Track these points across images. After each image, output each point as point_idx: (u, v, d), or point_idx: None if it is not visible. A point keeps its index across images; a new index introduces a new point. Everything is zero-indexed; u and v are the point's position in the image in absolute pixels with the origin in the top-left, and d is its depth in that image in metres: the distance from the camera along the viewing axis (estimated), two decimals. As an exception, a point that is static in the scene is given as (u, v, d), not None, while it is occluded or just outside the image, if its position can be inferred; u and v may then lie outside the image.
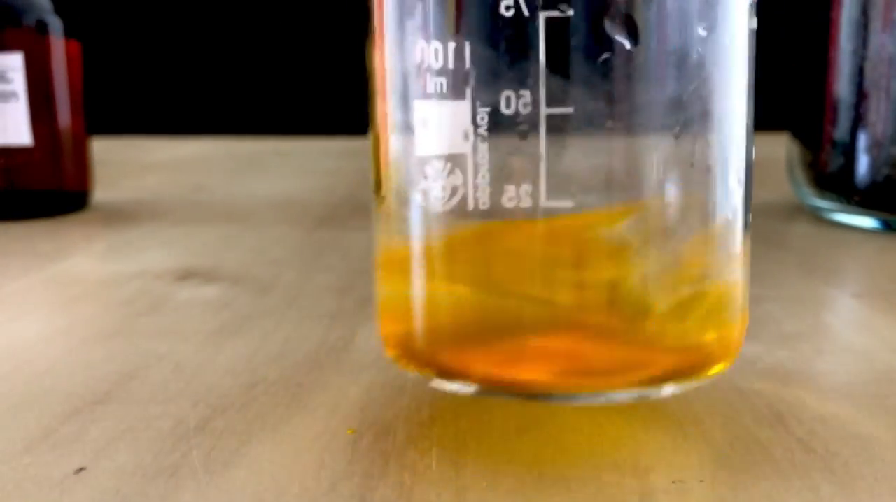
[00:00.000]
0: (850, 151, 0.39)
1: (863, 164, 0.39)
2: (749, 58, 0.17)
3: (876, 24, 0.37)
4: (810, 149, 0.41)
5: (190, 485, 0.16)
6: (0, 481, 0.16)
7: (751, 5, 0.17)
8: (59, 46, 0.43)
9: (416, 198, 0.17)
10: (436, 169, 0.17)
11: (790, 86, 0.43)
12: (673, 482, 0.16)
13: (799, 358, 0.23)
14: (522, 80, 0.16)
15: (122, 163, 0.68)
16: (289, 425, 0.19)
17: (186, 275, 0.32)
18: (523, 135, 0.16)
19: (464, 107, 0.16)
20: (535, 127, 0.16)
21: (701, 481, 0.16)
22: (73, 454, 0.17)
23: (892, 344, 0.24)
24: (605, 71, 0.16)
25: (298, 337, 0.25)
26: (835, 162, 0.40)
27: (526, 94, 0.16)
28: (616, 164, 0.16)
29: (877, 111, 0.38)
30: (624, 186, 0.16)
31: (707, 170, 0.17)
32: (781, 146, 0.45)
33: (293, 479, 0.16)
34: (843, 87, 0.39)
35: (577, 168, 0.16)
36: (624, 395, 0.17)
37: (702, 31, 0.16)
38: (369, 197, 0.19)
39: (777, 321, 0.26)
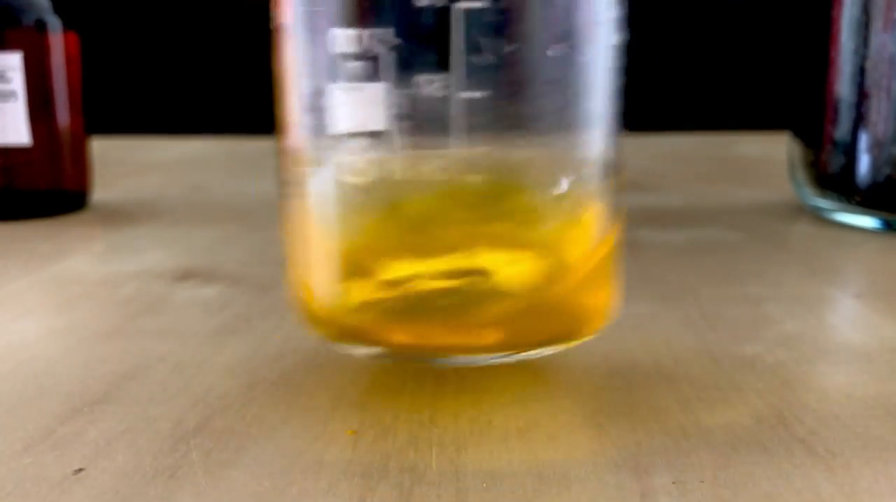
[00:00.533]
0: (851, 151, 0.39)
1: (864, 164, 0.38)
2: (610, 68, 0.19)
3: (877, 23, 0.37)
4: (811, 148, 0.41)
5: (189, 486, 0.16)
6: (0, 481, 0.16)
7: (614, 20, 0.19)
8: (58, 46, 0.43)
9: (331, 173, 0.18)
10: (351, 146, 0.18)
11: (791, 85, 0.43)
12: (673, 482, 0.16)
13: (800, 358, 0.22)
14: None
15: (121, 163, 0.68)
16: (288, 425, 0.19)
17: (186, 276, 0.32)
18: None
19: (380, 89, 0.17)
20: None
21: (701, 481, 0.16)
22: (72, 454, 0.17)
23: (892, 344, 0.24)
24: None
25: (298, 337, 0.24)
26: (836, 162, 0.40)
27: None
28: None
29: (878, 111, 0.38)
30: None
31: (573, 164, 0.19)
32: (782, 146, 0.45)
33: (292, 480, 0.16)
34: (844, 86, 0.39)
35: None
36: (502, 358, 0.19)
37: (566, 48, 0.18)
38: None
39: (778, 321, 0.26)
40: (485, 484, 0.16)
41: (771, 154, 0.59)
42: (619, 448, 0.17)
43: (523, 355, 0.19)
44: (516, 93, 0.18)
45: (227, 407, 0.20)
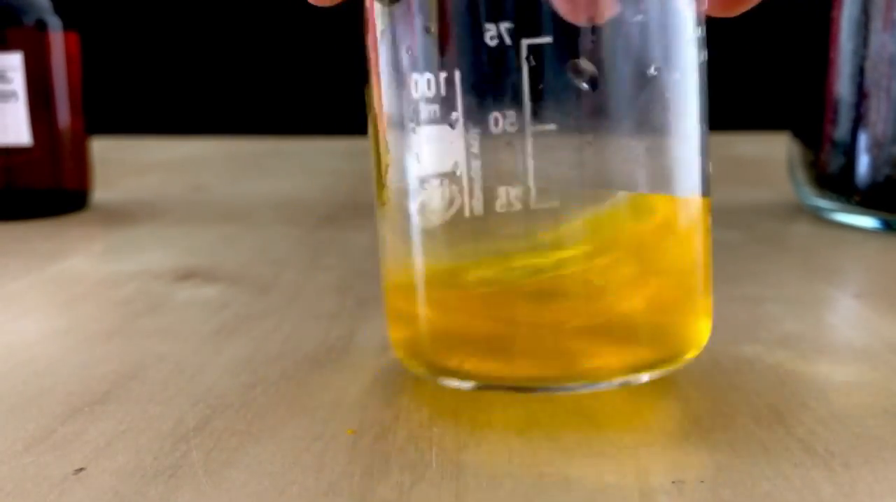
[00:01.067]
0: (850, 151, 0.39)
1: (863, 164, 0.39)
2: (700, 87, 0.19)
3: (876, 23, 0.37)
4: (811, 148, 0.41)
5: (189, 486, 0.16)
6: (0, 481, 0.16)
7: (699, 40, 0.19)
8: (58, 46, 0.43)
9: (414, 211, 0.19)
10: (433, 185, 0.18)
11: (791, 85, 0.43)
12: (673, 482, 0.16)
13: (799, 358, 0.23)
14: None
15: (121, 163, 0.68)
16: (288, 425, 0.19)
17: (186, 275, 0.32)
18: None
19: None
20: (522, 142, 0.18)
21: (701, 481, 0.16)
22: (72, 454, 0.17)
23: (892, 343, 0.24)
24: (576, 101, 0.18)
25: (298, 337, 0.25)
26: (835, 162, 0.40)
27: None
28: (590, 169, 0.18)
29: (877, 111, 0.38)
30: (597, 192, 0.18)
31: (665, 182, 0.19)
32: (782, 146, 0.45)
33: (293, 479, 0.16)
34: (843, 86, 0.39)
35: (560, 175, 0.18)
36: (606, 385, 0.19)
37: (653, 71, 0.18)
38: (369, 197, 0.20)
39: (777, 321, 0.26)
40: (485, 484, 0.16)
41: (770, 154, 0.59)
42: (618, 447, 0.17)
43: (626, 380, 0.19)
44: (591, 126, 0.18)
45: (227, 407, 0.20)
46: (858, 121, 0.38)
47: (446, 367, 0.19)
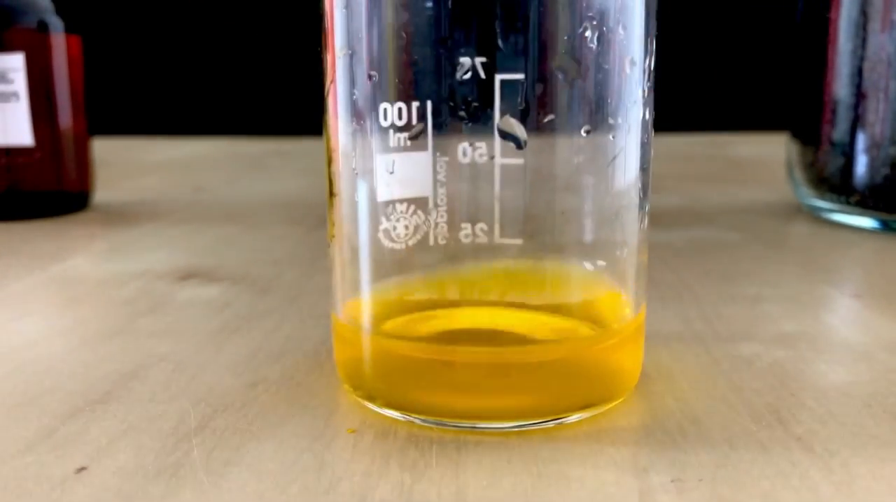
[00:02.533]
0: (849, 151, 0.39)
1: (862, 165, 0.39)
2: (644, 145, 0.19)
3: (875, 24, 0.37)
4: (810, 149, 0.41)
5: (191, 485, 0.16)
6: (1, 480, 0.16)
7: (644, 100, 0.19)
8: (60, 47, 0.43)
9: (379, 238, 0.19)
10: (398, 211, 0.18)
11: (789, 86, 0.43)
12: (672, 481, 0.16)
13: (798, 357, 0.23)
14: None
15: (123, 164, 0.68)
16: (289, 424, 0.19)
17: (187, 275, 0.32)
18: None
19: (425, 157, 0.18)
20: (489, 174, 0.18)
21: (700, 480, 0.16)
22: (73, 453, 0.17)
23: (890, 343, 0.24)
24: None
25: (299, 336, 0.25)
26: (834, 162, 0.40)
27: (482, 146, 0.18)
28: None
29: (876, 111, 0.38)
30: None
31: (617, 243, 0.19)
32: (781, 146, 0.45)
33: (294, 478, 0.16)
34: (842, 87, 0.39)
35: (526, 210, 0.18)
36: (538, 424, 0.18)
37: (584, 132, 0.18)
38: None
39: (776, 321, 0.26)
40: (485, 484, 0.16)
41: (769, 154, 0.59)
42: (617, 446, 0.17)
43: (557, 420, 0.18)
44: (552, 163, 0.18)
45: (228, 407, 0.20)
46: (857, 121, 0.38)
47: (391, 401, 0.19)
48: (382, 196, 0.18)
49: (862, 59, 0.38)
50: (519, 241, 0.18)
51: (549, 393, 0.18)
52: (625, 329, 0.19)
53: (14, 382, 0.21)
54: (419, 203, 0.18)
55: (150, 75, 0.95)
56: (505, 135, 0.17)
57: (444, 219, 0.18)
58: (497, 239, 0.18)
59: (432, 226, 0.18)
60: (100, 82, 0.53)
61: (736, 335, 0.24)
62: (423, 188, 0.18)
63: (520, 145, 0.18)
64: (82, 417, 0.19)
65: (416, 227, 0.18)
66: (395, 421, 0.19)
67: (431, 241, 0.18)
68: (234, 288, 0.30)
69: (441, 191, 0.18)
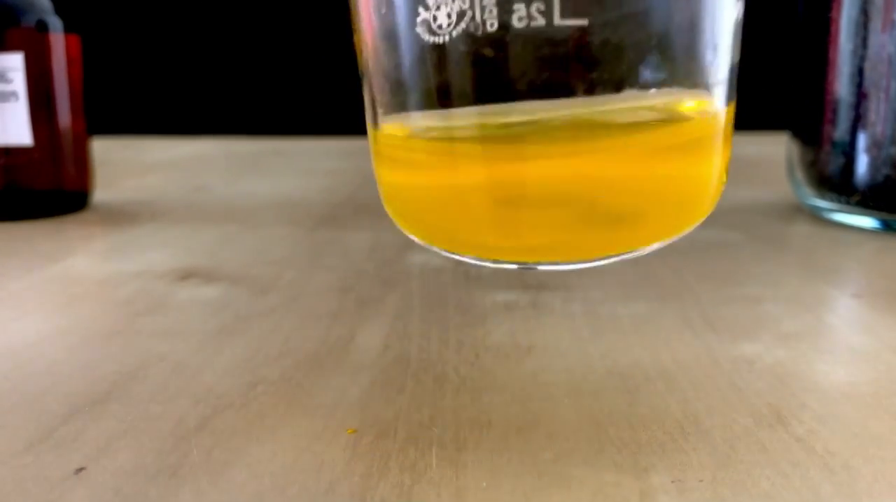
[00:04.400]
0: (849, 151, 0.39)
1: (862, 164, 0.39)
2: None
3: (876, 23, 0.37)
4: (810, 149, 0.41)
5: (190, 485, 0.16)
6: (0, 481, 0.16)
7: None
8: (59, 46, 0.43)
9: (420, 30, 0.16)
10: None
11: (790, 86, 0.43)
12: (672, 481, 0.16)
13: (798, 357, 0.23)
14: None
15: (122, 163, 0.68)
16: (289, 425, 0.19)
17: (186, 275, 0.32)
18: None
19: None
20: None
21: (700, 481, 0.16)
22: (73, 454, 0.17)
23: (891, 344, 0.24)
24: None
25: (298, 337, 0.25)
26: (835, 162, 0.40)
27: None
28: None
29: (876, 111, 0.38)
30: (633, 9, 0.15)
31: (688, 56, 0.16)
32: (781, 146, 0.45)
33: (293, 479, 0.16)
34: (842, 86, 0.39)
35: None
36: (614, 258, 0.17)
37: None
38: (369, 197, 0.19)
39: (777, 321, 0.26)
40: (485, 484, 0.16)
41: (770, 154, 0.59)
42: (618, 447, 0.17)
43: (629, 253, 0.17)
44: None
45: (227, 407, 0.20)
46: (857, 121, 0.38)
47: (448, 239, 0.17)
48: None
49: (863, 58, 0.38)
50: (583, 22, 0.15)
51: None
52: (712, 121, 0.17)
53: (13, 382, 0.21)
54: None
55: (149, 75, 0.95)
56: None
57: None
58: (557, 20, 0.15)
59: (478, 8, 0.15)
60: (99, 82, 0.53)
61: (737, 335, 0.24)
62: None
63: None
64: (81, 417, 0.19)
65: (461, 13, 0.15)
66: (394, 421, 0.19)
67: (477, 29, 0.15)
68: (234, 288, 0.30)
69: None
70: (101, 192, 0.49)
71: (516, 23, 0.15)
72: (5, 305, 0.28)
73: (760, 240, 0.38)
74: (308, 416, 0.19)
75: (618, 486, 0.16)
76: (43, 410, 0.20)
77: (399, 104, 0.17)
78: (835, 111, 0.39)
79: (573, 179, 0.16)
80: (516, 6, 0.15)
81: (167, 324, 0.26)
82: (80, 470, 0.17)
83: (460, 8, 0.15)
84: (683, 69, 0.16)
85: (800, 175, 0.43)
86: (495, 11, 0.15)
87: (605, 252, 0.16)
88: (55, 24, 0.43)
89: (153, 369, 0.22)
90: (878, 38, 0.37)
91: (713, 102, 0.17)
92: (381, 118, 0.17)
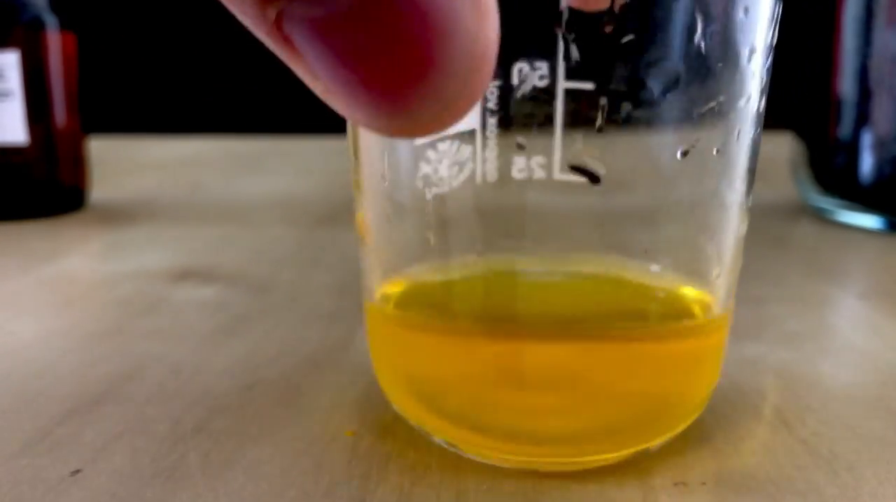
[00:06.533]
0: (854, 150, 0.39)
1: (867, 164, 0.38)
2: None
3: (880, 22, 0.37)
4: (814, 148, 0.41)
5: (187, 488, 0.16)
6: (-6, 483, 0.16)
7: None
8: (55, 44, 0.43)
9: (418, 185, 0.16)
10: (440, 150, 0.15)
11: (794, 85, 0.43)
12: (675, 484, 0.16)
13: (802, 358, 0.22)
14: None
15: (119, 163, 0.68)
16: (287, 427, 0.18)
17: (184, 276, 0.32)
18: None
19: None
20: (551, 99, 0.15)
21: (703, 483, 0.16)
22: (68, 456, 0.17)
23: (895, 344, 0.23)
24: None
25: (297, 337, 0.24)
26: (839, 161, 0.40)
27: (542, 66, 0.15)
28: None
29: (881, 110, 0.38)
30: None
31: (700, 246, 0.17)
32: (785, 145, 0.45)
33: (291, 481, 0.16)
34: (847, 85, 0.39)
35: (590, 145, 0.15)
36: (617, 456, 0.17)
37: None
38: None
39: (780, 321, 0.26)
40: (485, 488, 0.16)
41: (774, 153, 0.59)
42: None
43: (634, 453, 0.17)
44: (628, 83, 0.15)
45: (225, 408, 0.19)
46: (862, 120, 0.38)
47: (428, 425, 0.17)
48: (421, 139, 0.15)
49: (867, 56, 0.37)
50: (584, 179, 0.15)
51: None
52: (711, 323, 0.17)
53: (8, 384, 0.21)
54: (465, 138, 0.15)
55: (146, 73, 0.95)
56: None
57: (495, 153, 0.15)
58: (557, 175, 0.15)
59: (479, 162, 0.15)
60: (95, 80, 0.53)
61: (740, 336, 0.24)
62: (469, 120, 0.15)
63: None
64: (77, 419, 0.19)
65: (462, 165, 0.15)
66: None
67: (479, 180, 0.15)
68: (232, 288, 0.30)
69: (491, 121, 0.15)
70: (98, 191, 0.49)
71: (517, 174, 0.15)
72: (1, 305, 0.28)
73: (764, 239, 0.38)
74: (307, 418, 0.19)
75: (619, 487, 0.16)
76: (38, 412, 0.19)
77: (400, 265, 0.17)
78: (839, 110, 0.39)
79: (574, 388, 0.16)
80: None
81: (164, 324, 0.26)
82: (76, 472, 0.16)
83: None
84: (686, 262, 0.17)
85: (804, 174, 0.42)
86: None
87: (606, 455, 0.17)
88: (51, 21, 0.42)
89: (150, 370, 0.22)
90: (882, 37, 0.37)
91: (716, 304, 0.18)
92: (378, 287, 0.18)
